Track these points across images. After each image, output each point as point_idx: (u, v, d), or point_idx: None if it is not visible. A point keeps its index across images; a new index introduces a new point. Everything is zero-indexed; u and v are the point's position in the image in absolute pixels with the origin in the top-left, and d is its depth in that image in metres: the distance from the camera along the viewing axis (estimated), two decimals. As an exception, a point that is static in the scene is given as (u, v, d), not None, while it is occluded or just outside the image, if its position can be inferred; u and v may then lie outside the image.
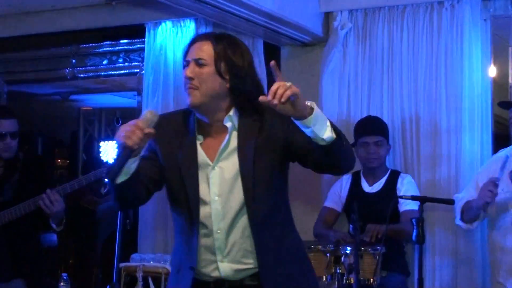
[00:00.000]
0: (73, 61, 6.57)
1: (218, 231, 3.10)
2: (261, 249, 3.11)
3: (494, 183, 4.34)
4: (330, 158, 2.95)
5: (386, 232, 4.67)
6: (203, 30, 5.75)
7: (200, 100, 3.05)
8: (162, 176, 3.14)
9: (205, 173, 3.12)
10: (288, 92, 2.68)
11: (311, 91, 5.56)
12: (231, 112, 3.13)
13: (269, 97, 2.68)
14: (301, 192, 5.61)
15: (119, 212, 3.72)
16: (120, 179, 2.90)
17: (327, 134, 2.82)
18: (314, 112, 2.76)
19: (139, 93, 6.10)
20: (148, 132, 2.84)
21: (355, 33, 5.54)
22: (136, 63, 6.21)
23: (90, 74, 6.59)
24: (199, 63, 3.06)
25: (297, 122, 2.81)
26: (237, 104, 3.13)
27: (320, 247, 4.67)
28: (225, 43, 3.14)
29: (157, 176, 3.14)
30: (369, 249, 4.61)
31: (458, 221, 4.80)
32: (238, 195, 3.10)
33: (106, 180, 4.82)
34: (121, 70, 6.44)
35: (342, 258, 4.56)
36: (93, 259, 6.32)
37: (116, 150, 2.89)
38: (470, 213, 4.61)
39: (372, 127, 5.12)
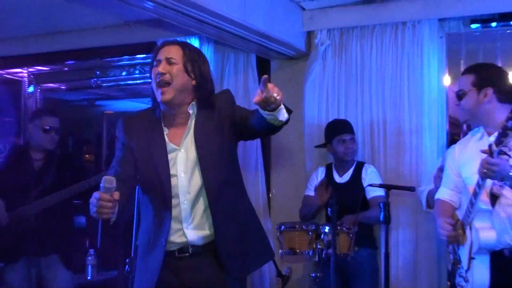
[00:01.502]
0: (98, 72, 6.59)
1: (185, 202, 3.16)
2: (216, 218, 3.16)
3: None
4: (275, 131, 3.13)
5: (358, 220, 4.77)
6: (205, 46, 5.79)
7: (172, 95, 3.13)
8: (137, 168, 3.18)
9: (173, 156, 3.18)
10: (281, 95, 2.80)
11: (296, 97, 5.60)
12: (193, 103, 3.22)
13: (274, 90, 2.76)
14: (290, 185, 5.70)
15: (135, 201, 3.74)
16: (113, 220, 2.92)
17: (283, 117, 2.93)
18: (281, 106, 2.88)
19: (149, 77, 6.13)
20: (114, 199, 2.80)
21: (332, 48, 5.55)
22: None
23: (112, 84, 6.60)
24: (170, 61, 3.16)
25: (262, 112, 2.89)
26: (198, 98, 3.22)
27: (304, 227, 4.67)
28: (190, 48, 3.27)
29: (133, 175, 3.20)
30: (344, 229, 4.64)
31: (425, 208, 4.84)
32: (199, 173, 3.16)
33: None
34: (137, 80, 6.45)
35: (322, 235, 4.59)
36: (115, 238, 6.32)
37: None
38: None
39: (347, 127, 5.16)
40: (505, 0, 5.00)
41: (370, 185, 4.91)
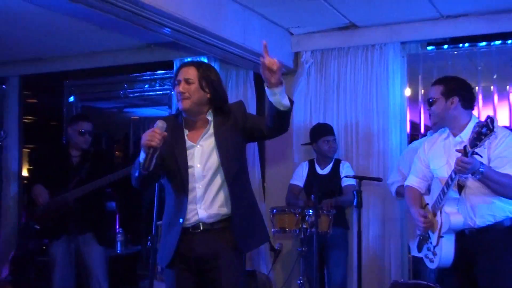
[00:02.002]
0: (125, 85, 6.59)
1: (199, 187, 3.17)
2: (234, 199, 3.18)
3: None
4: (282, 121, 3.12)
5: (335, 203, 4.84)
6: (213, 64, 5.76)
7: (189, 106, 3.17)
8: (162, 162, 3.18)
9: (191, 151, 3.21)
10: (278, 64, 2.95)
11: (286, 105, 5.61)
12: (210, 111, 3.25)
13: (271, 60, 2.95)
14: (281, 176, 5.69)
15: (156, 188, 3.73)
16: (147, 170, 2.96)
17: (286, 101, 2.98)
18: (283, 85, 2.95)
19: (170, 107, 6.12)
20: (164, 135, 2.95)
21: (315, 66, 5.57)
22: (168, 87, 6.23)
23: (137, 94, 6.59)
24: (188, 81, 3.18)
25: (268, 90, 2.97)
26: (214, 107, 3.25)
27: (292, 210, 4.70)
28: (204, 67, 3.28)
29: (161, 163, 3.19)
30: (325, 212, 4.65)
31: (395, 196, 4.84)
32: (214, 162, 3.19)
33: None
34: (157, 91, 6.44)
35: (307, 217, 4.60)
36: (139, 219, 6.33)
37: (142, 151, 2.96)
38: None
39: (330, 129, 5.16)
40: (454, 27, 5.02)
41: (346, 176, 4.94)
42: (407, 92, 5.36)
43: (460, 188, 3.37)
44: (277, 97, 2.97)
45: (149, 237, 4.64)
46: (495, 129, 2.99)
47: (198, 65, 3.27)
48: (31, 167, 6.76)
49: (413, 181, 3.73)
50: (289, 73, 5.68)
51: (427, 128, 5.09)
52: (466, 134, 3.38)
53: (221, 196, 3.19)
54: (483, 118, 3.13)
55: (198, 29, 4.31)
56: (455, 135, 3.48)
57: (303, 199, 5.10)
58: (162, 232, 3.38)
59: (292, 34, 5.56)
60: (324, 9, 4.81)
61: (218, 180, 3.19)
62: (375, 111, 5.28)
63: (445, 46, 5.24)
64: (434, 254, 3.46)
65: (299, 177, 5.26)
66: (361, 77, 5.35)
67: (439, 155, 3.53)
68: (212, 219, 3.18)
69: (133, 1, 3.67)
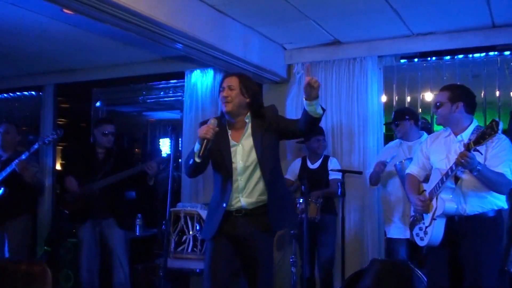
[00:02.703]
0: (144, 92, 6.55)
1: (241, 179, 3.28)
2: (269, 189, 3.28)
3: (382, 163, 4.50)
4: (314, 125, 3.26)
5: (323, 194, 4.82)
6: (218, 75, 5.75)
7: (231, 109, 3.27)
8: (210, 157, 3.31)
9: (234, 149, 3.30)
10: (318, 83, 3.04)
11: (281, 109, 5.46)
12: (248, 114, 3.33)
13: (313, 79, 3.02)
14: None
15: (169, 179, 3.72)
16: (200, 159, 3.16)
17: (320, 110, 3.13)
18: (318, 99, 3.09)
19: (181, 111, 6.09)
20: (216, 130, 3.13)
21: (305, 76, 5.51)
22: (180, 93, 6.20)
23: (153, 100, 6.55)
24: (230, 88, 3.28)
25: (306, 102, 3.11)
26: (252, 111, 3.34)
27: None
28: (244, 77, 3.38)
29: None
30: (313, 200, 4.62)
31: (370, 186, 4.89)
32: (253, 159, 3.28)
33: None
34: (171, 98, 6.40)
35: (298, 205, 4.58)
36: (155, 206, 6.30)
37: (197, 143, 3.17)
38: (374, 179, 4.68)
39: (321, 130, 5.11)
40: (423, 43, 5.00)
41: (332, 170, 4.91)
42: (383, 98, 5.32)
43: (457, 179, 3.37)
44: (313, 107, 3.10)
45: (163, 222, 4.64)
46: (499, 132, 3.01)
47: (240, 75, 3.39)
48: (63, 162, 6.76)
49: (414, 170, 3.72)
50: (283, 82, 5.65)
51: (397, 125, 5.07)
52: (466, 135, 3.41)
53: (260, 187, 3.29)
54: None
55: (206, 45, 4.29)
56: (456, 135, 3.48)
57: (295, 189, 5.10)
58: (208, 211, 3.51)
59: (285, 48, 5.52)
60: (313, 28, 4.78)
61: (257, 174, 3.28)
62: (356, 115, 5.23)
63: (416, 59, 5.20)
64: (426, 233, 3.45)
65: (292, 172, 5.22)
66: (344, 85, 5.30)
67: (440, 150, 3.52)
68: (252, 206, 3.29)
69: (150, 20, 3.65)
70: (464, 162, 3.13)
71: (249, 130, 3.31)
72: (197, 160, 3.16)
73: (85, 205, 4.73)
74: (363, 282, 4.09)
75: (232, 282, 3.33)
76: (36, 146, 4.70)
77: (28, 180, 4.72)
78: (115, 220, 4.82)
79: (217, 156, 3.30)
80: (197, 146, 3.17)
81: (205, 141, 3.09)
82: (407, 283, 3.95)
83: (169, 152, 5.78)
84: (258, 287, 3.28)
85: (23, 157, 4.66)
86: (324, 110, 3.18)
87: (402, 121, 4.61)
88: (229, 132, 3.34)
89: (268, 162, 3.30)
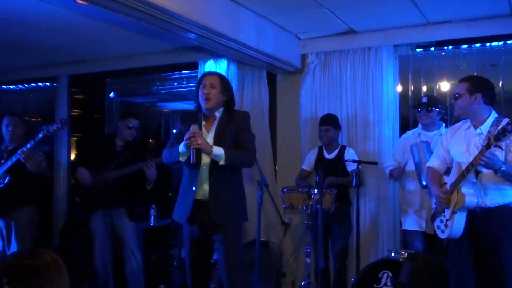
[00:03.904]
0: (157, 83, 6.57)
1: (204, 168, 3.47)
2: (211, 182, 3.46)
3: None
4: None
5: (338, 182, 4.79)
6: (231, 65, 5.75)
7: (212, 106, 3.51)
8: None
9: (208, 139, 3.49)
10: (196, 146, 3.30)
11: (295, 99, 5.60)
12: (221, 110, 3.57)
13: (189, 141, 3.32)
14: (290, 160, 5.65)
15: (183, 170, 3.75)
16: (182, 158, 3.44)
17: (221, 163, 3.40)
18: (212, 152, 3.35)
19: (195, 101, 6.09)
20: (200, 133, 3.37)
21: (319, 66, 5.49)
22: (193, 84, 6.18)
23: (167, 91, 6.57)
24: (212, 86, 3.51)
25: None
26: (225, 107, 3.58)
27: (300, 189, 4.68)
28: (224, 77, 3.65)
29: None
30: (328, 190, 4.61)
31: (389, 178, 4.87)
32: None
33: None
34: (184, 88, 6.41)
35: (312, 195, 4.57)
36: (169, 197, 6.33)
37: (183, 144, 3.39)
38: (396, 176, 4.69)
39: (325, 120, 5.07)
40: (440, 32, 4.95)
41: (347, 160, 4.87)
42: (399, 88, 5.28)
43: (477, 173, 3.36)
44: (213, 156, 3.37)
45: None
46: None
47: (220, 75, 3.65)
48: (76, 152, 6.81)
49: (435, 163, 3.70)
50: (297, 72, 5.62)
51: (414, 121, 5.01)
52: (485, 127, 3.38)
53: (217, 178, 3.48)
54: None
55: (219, 34, 4.28)
56: (475, 127, 3.45)
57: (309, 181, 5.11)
58: (179, 195, 3.65)
59: (299, 38, 5.49)
60: (327, 17, 4.75)
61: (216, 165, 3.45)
62: (371, 105, 5.20)
63: (432, 49, 5.15)
64: (446, 226, 3.45)
65: (308, 163, 5.20)
66: (359, 75, 5.27)
67: (460, 143, 3.50)
68: (209, 195, 3.45)
69: (163, 10, 3.65)
70: (484, 163, 3.14)
71: (215, 123, 3.52)
72: (181, 160, 3.44)
73: (96, 195, 4.77)
74: (400, 277, 4.06)
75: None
76: (40, 135, 4.71)
77: (33, 169, 4.71)
78: (126, 211, 4.85)
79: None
80: (182, 148, 3.40)
81: (196, 150, 3.32)
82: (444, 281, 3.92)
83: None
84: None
85: (28, 146, 4.68)
86: (228, 163, 3.36)
87: (434, 108, 4.51)
88: (203, 123, 3.56)
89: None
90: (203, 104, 3.50)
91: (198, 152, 3.34)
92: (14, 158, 4.72)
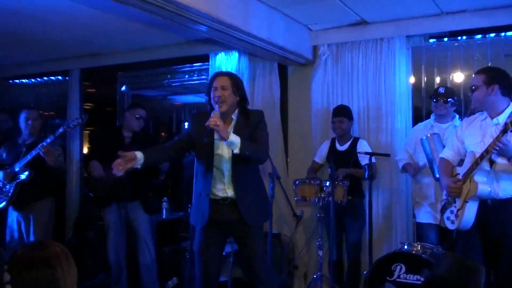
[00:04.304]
0: (169, 76, 6.58)
1: (225, 170, 3.48)
2: (236, 183, 3.47)
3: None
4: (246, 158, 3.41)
5: (350, 173, 4.77)
6: (242, 57, 5.73)
7: (226, 109, 3.45)
8: (191, 146, 3.57)
9: (219, 142, 3.46)
10: (217, 125, 3.23)
11: (306, 91, 5.58)
12: (236, 112, 3.54)
13: (210, 122, 3.24)
14: (301, 153, 5.64)
15: (195, 164, 3.76)
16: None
17: (236, 151, 3.33)
18: (229, 139, 3.29)
19: (206, 94, 6.10)
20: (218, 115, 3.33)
21: (331, 58, 5.46)
22: (205, 77, 6.19)
23: (178, 84, 6.57)
24: (223, 88, 3.46)
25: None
26: (239, 109, 3.54)
27: (312, 181, 4.67)
28: (234, 76, 3.57)
29: (182, 147, 3.60)
30: (340, 183, 4.60)
31: (402, 171, 4.83)
32: (231, 153, 3.43)
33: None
34: (196, 81, 6.40)
35: (324, 188, 4.56)
36: (181, 190, 6.34)
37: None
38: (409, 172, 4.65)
39: (337, 111, 5.05)
40: (453, 22, 4.90)
41: (359, 152, 4.85)
42: (411, 79, 5.24)
43: (491, 163, 3.33)
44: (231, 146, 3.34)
45: (189, 205, 4.66)
46: None
47: (230, 75, 3.57)
48: (89, 146, 6.85)
49: (448, 154, 3.67)
50: (308, 64, 5.60)
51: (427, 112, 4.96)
52: (502, 118, 3.35)
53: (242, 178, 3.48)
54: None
55: (230, 27, 4.27)
56: (492, 118, 3.43)
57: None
58: (193, 197, 3.68)
59: (311, 30, 5.46)
60: (339, 8, 4.72)
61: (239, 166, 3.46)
62: (383, 97, 5.17)
63: (445, 39, 5.09)
64: (457, 216, 3.42)
65: (319, 155, 5.19)
66: (371, 67, 5.24)
67: (475, 133, 3.47)
68: (235, 196, 3.46)
69: (174, 2, 3.64)
70: (499, 149, 3.11)
71: (232, 126, 3.48)
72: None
73: (110, 188, 4.77)
74: (438, 269, 4.04)
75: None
76: (61, 130, 4.74)
77: (51, 163, 4.77)
78: (140, 204, 4.87)
79: (201, 146, 3.47)
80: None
81: (210, 130, 3.29)
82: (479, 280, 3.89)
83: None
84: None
85: (48, 140, 4.71)
86: (243, 152, 3.31)
87: (451, 99, 4.47)
88: None
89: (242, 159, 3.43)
90: (217, 109, 3.45)
91: (211, 132, 3.35)
92: (33, 152, 4.77)
